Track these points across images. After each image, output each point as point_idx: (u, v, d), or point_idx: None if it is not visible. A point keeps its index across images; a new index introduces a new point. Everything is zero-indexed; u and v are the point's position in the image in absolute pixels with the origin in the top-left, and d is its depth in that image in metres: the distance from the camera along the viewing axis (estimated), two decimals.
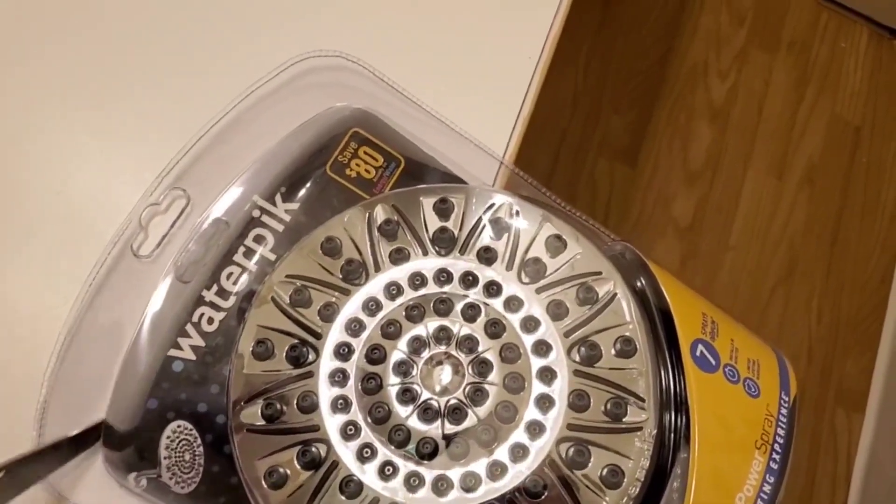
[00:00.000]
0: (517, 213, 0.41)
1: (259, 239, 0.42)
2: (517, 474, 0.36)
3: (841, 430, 1.25)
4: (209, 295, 0.41)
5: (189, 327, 0.40)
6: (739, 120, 1.38)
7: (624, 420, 0.37)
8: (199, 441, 0.39)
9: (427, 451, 0.36)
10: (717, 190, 1.34)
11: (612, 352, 0.38)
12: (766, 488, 0.35)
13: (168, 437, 0.39)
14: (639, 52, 1.40)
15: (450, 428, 0.37)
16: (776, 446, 0.36)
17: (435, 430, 0.37)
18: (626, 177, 1.32)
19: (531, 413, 0.37)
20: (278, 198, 0.42)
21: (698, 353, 0.37)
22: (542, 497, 0.35)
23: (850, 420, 1.25)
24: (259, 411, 0.37)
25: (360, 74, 0.45)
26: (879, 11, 1.48)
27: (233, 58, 0.47)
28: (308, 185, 0.43)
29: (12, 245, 0.43)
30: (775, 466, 0.36)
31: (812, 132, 1.41)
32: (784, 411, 0.38)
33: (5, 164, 0.45)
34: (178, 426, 0.39)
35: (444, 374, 0.38)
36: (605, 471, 0.36)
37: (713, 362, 0.37)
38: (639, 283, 0.40)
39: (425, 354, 0.38)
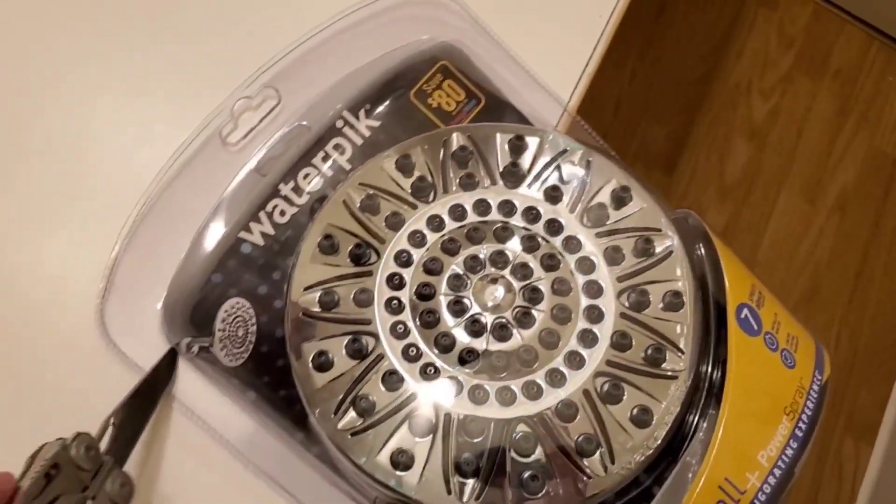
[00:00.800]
0: (588, 162, 0.43)
1: (338, 148, 0.44)
2: (552, 397, 0.37)
3: (847, 457, 1.24)
4: (285, 189, 0.43)
5: (262, 215, 0.42)
6: (778, 141, 1.38)
7: (662, 367, 0.38)
8: (253, 320, 0.41)
9: (469, 360, 0.38)
10: (748, 207, 1.34)
11: (660, 304, 0.39)
12: (789, 452, 0.36)
13: (225, 312, 0.41)
14: (686, 65, 1.41)
15: (493, 344, 0.38)
16: (804, 416, 0.37)
17: (479, 343, 0.38)
18: (662, 184, 1.33)
19: (573, 345, 0.38)
20: (362, 113, 0.44)
21: (743, 316, 0.38)
22: (572, 423, 0.37)
23: (858, 449, 1.24)
24: (317, 298, 0.39)
25: (455, 12, 0.47)
26: None
27: None
28: (391, 106, 0.45)
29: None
30: (800, 434, 0.37)
31: (849, 161, 1.40)
32: (816, 387, 0.39)
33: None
34: (237, 303, 0.41)
35: (496, 293, 0.39)
36: (635, 410, 0.37)
37: (755, 327, 0.38)
38: (697, 248, 0.42)
39: (480, 274, 0.40)
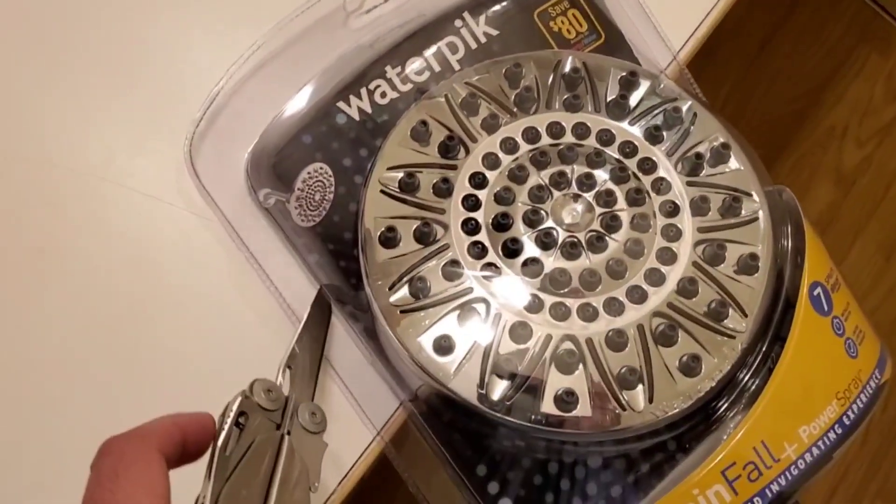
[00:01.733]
0: (695, 114, 0.42)
1: (452, 46, 0.44)
2: (605, 323, 0.37)
3: None
4: (391, 72, 0.43)
5: (363, 91, 0.43)
6: (864, 191, 1.32)
7: (722, 323, 0.37)
8: (332, 188, 0.41)
9: (532, 268, 0.38)
10: None
11: (735, 264, 0.39)
12: (831, 435, 0.35)
13: (307, 173, 0.41)
14: (781, 100, 1.36)
15: (560, 260, 0.38)
16: (854, 407, 0.36)
17: (546, 256, 0.38)
18: None
19: (638, 280, 0.38)
20: (482, 18, 0.45)
21: (815, 293, 0.37)
22: (619, 352, 0.36)
23: None
24: (398, 178, 0.39)
25: None
26: None
27: None
28: (513, 19, 0.45)
29: None
30: (847, 422, 0.36)
31: None
32: (872, 384, 0.37)
33: None
34: (321, 168, 0.41)
35: (575, 210, 0.39)
36: (685, 358, 0.37)
37: (825, 308, 0.37)
38: (785, 223, 0.41)
39: (564, 191, 0.40)
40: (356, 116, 0.42)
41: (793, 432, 0.35)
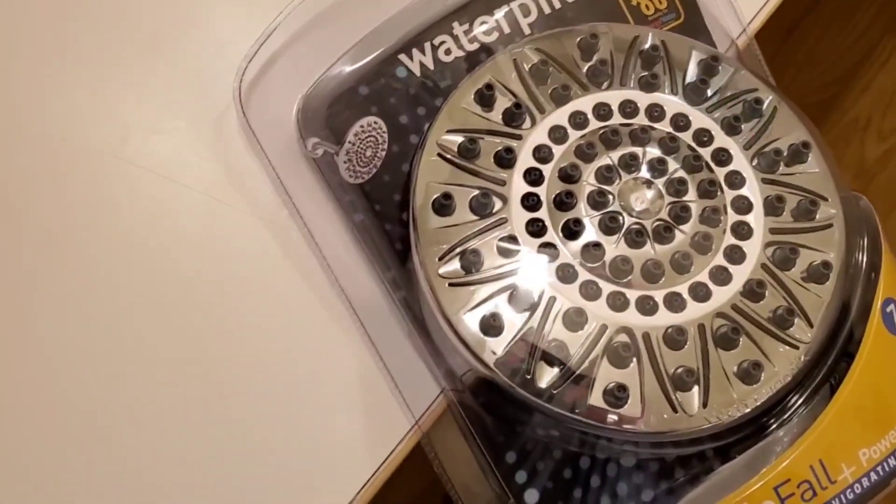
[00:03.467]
0: (775, 109, 0.40)
1: (524, 8, 0.42)
2: (666, 319, 0.35)
3: None
4: (458, 29, 0.41)
5: (427, 46, 0.40)
6: (884, 185, 1.30)
7: (786, 331, 0.35)
8: (385, 145, 0.39)
9: (593, 253, 0.35)
10: None
11: (804, 271, 0.37)
12: (891, 462, 0.34)
13: (361, 126, 0.39)
14: (805, 89, 1.33)
15: (622, 247, 0.36)
16: None
17: (608, 241, 0.36)
18: None
19: (703, 277, 0.36)
20: None
21: (888, 311, 0.35)
22: (677, 351, 0.35)
23: None
24: (458, 143, 0.37)
25: None
26: None
27: None
28: None
29: None
30: None
31: None
32: None
33: None
34: (375, 122, 0.39)
35: (646, 196, 0.37)
36: (745, 364, 0.35)
37: None
38: (861, 233, 0.38)
39: (634, 174, 0.37)
40: (417, 72, 0.40)
41: (854, 454, 0.33)
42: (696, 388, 0.34)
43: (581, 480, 0.36)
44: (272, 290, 0.39)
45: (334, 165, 0.39)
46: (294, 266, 0.39)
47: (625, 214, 0.36)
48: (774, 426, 0.36)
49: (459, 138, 0.37)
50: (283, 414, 0.37)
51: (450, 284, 0.35)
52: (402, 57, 0.40)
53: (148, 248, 0.38)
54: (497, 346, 0.34)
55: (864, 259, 0.38)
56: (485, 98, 0.38)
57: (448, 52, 0.40)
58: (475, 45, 0.41)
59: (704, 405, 0.34)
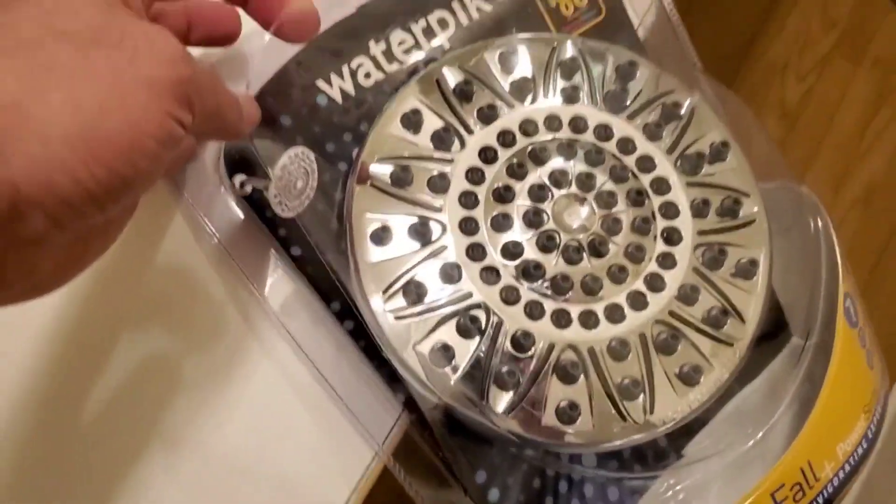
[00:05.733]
0: (693, 110, 0.41)
1: (442, 23, 0.41)
2: (608, 332, 0.36)
3: None
4: (375, 49, 0.40)
5: (345, 69, 0.39)
6: (808, 125, 1.35)
7: (721, 330, 0.37)
8: (315, 174, 0.38)
9: (533, 274, 0.36)
10: None
11: (734, 268, 0.38)
12: (860, 451, 0.36)
13: (288, 157, 0.38)
14: (722, 38, 1.36)
15: (561, 264, 0.37)
16: (875, 418, 0.37)
17: (546, 260, 0.37)
18: None
19: (639, 286, 0.37)
20: None
21: (847, 305, 0.37)
22: (621, 362, 0.36)
23: None
24: (389, 172, 0.37)
25: None
26: None
27: None
28: None
29: None
30: (870, 435, 0.36)
31: (878, 153, 1.37)
32: (886, 395, 0.38)
33: None
34: (302, 153, 0.38)
35: (580, 213, 0.38)
36: (686, 367, 0.36)
37: (854, 319, 0.38)
38: (807, 228, 0.40)
39: (564, 191, 0.38)
40: (338, 99, 0.39)
41: (832, 450, 0.35)
42: (642, 396, 0.35)
43: (550, 489, 0.37)
44: (212, 334, 0.38)
45: (265, 200, 0.38)
46: (234, 307, 0.38)
47: (561, 232, 0.37)
48: None
49: (390, 167, 0.37)
50: (245, 454, 0.37)
51: (396, 318, 0.35)
52: (321, 84, 0.39)
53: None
54: (449, 376, 0.34)
55: (823, 257, 0.39)
56: (411, 122, 0.38)
57: (367, 75, 0.40)
58: (395, 65, 0.40)
59: (651, 411, 0.35)
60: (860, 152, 1.36)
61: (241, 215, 0.38)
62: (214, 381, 0.37)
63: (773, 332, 0.38)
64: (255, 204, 0.38)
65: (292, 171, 0.38)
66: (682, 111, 0.40)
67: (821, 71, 1.39)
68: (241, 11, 0.34)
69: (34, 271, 0.24)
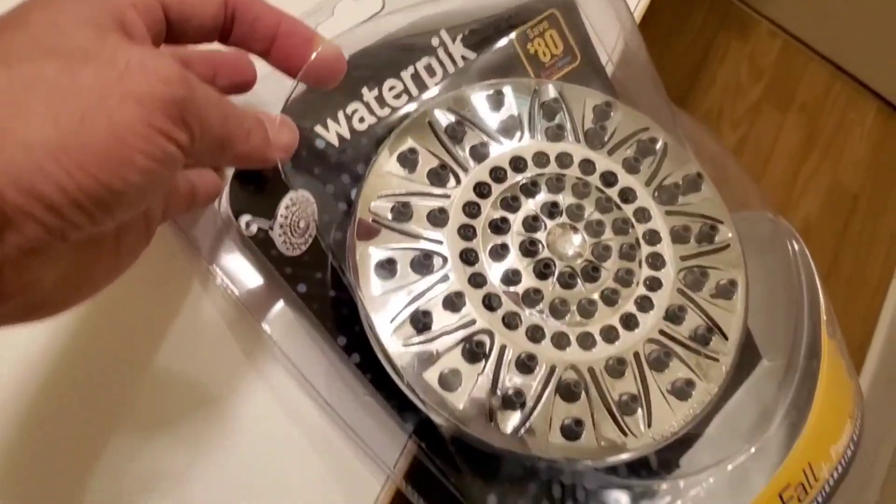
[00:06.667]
0: (666, 145, 0.44)
1: (429, 69, 0.44)
2: (605, 352, 0.38)
3: None
4: (368, 95, 0.42)
5: (341, 115, 0.41)
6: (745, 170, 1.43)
7: (707, 347, 0.39)
8: (315, 215, 0.40)
9: (533, 298, 0.38)
10: None
11: (714, 289, 0.41)
12: (849, 453, 0.38)
13: (290, 199, 0.39)
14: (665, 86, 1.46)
15: (557, 289, 0.39)
16: (858, 421, 0.39)
17: (544, 285, 0.39)
18: None
19: (630, 308, 0.39)
20: (459, 39, 0.44)
21: (824, 319, 0.40)
22: (619, 379, 0.38)
23: None
24: (390, 207, 0.39)
25: None
26: (889, 90, 1.57)
27: None
28: (491, 41, 0.45)
29: None
30: (856, 438, 0.39)
31: (811, 193, 1.44)
32: (860, 399, 0.41)
33: None
34: (303, 195, 0.40)
35: (574, 242, 0.40)
36: (678, 382, 0.38)
37: (832, 330, 0.40)
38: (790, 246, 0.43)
39: (557, 221, 0.40)
40: (335, 142, 0.41)
41: (827, 451, 0.38)
42: (640, 411, 0.37)
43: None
44: (217, 369, 0.39)
45: (270, 240, 0.39)
46: (239, 344, 0.39)
47: (556, 259, 0.39)
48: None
49: (391, 202, 0.39)
50: (252, 489, 0.37)
51: (404, 346, 0.37)
52: (319, 129, 0.41)
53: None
54: (458, 400, 0.36)
55: (802, 276, 0.42)
56: (408, 161, 0.40)
57: (362, 119, 0.42)
58: (386, 111, 0.42)
59: (649, 425, 0.37)
60: (795, 193, 1.44)
61: (246, 255, 0.40)
62: (219, 415, 0.38)
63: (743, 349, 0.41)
64: (260, 243, 0.39)
65: (294, 211, 0.39)
66: (658, 146, 0.43)
67: (752, 118, 1.47)
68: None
69: (35, 284, 0.24)
